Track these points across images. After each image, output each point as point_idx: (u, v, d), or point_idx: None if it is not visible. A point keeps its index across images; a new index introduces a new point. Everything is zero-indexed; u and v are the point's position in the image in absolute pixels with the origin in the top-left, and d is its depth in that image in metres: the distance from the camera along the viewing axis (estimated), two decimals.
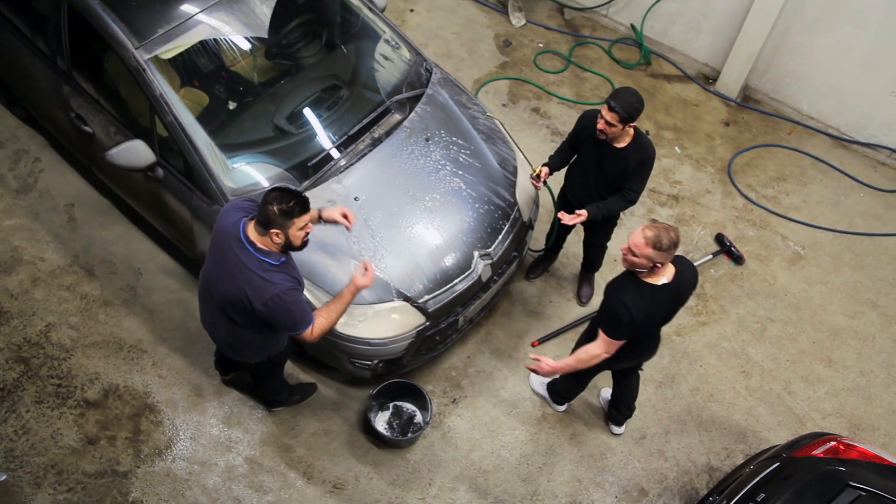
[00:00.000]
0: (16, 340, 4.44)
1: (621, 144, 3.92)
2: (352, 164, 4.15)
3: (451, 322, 4.17)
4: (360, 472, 4.12)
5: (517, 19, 6.65)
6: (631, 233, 3.19)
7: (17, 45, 4.64)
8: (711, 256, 5.25)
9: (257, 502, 3.99)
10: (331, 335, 3.88)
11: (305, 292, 3.79)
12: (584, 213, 4.01)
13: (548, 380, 4.38)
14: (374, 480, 4.11)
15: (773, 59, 6.06)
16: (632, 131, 3.91)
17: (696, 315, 4.97)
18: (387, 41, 4.70)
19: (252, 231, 3.10)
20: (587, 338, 3.73)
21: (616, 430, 4.39)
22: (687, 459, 4.36)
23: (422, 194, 4.15)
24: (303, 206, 3.03)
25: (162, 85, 3.98)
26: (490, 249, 4.20)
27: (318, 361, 4.34)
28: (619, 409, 4.23)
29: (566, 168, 4.35)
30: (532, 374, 4.36)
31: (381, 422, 4.21)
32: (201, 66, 4.44)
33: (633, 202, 4.09)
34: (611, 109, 3.72)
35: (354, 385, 4.42)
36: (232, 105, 4.43)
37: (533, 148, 5.60)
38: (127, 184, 4.53)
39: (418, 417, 4.26)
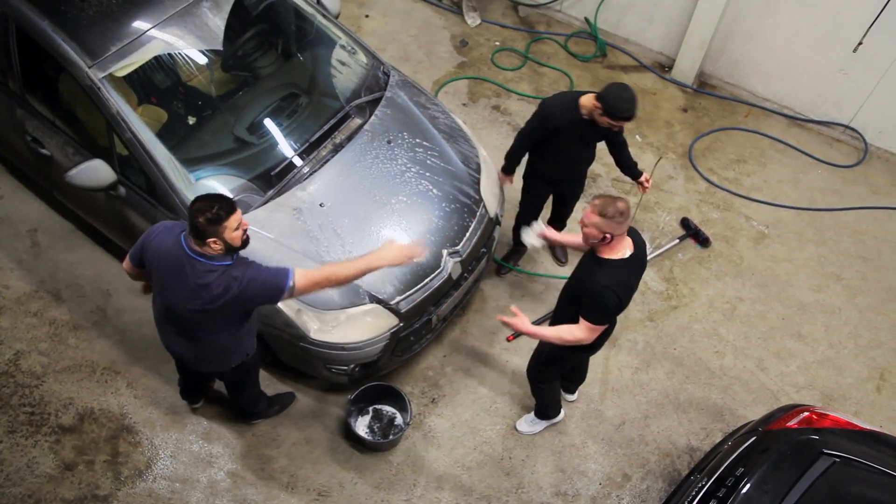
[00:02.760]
0: None
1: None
2: (315, 171, 4.14)
3: (424, 322, 4.18)
4: (344, 478, 4.11)
5: (472, 19, 6.69)
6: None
7: None
8: (678, 241, 5.32)
9: None
10: (305, 342, 3.87)
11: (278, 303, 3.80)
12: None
13: (536, 426, 4.35)
14: (358, 485, 4.10)
15: (725, 45, 6.17)
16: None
17: (667, 299, 5.03)
18: (343, 47, 4.71)
19: (193, 244, 3.07)
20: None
21: (570, 398, 4.49)
22: (667, 442, 4.41)
23: (387, 197, 4.16)
24: (228, 208, 2.98)
25: (118, 102, 3.94)
26: (459, 247, 4.22)
27: (295, 370, 4.32)
28: (573, 381, 4.36)
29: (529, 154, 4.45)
30: (520, 421, 4.36)
31: (361, 426, 4.20)
32: (158, 83, 4.42)
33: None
34: (619, 121, 3.87)
35: (332, 391, 4.41)
36: (191, 120, 4.41)
37: (495, 145, 5.64)
38: (89, 205, 4.48)
39: (398, 419, 4.26)
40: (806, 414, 3.63)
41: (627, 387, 4.60)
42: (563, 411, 4.37)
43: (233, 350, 3.47)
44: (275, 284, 3.10)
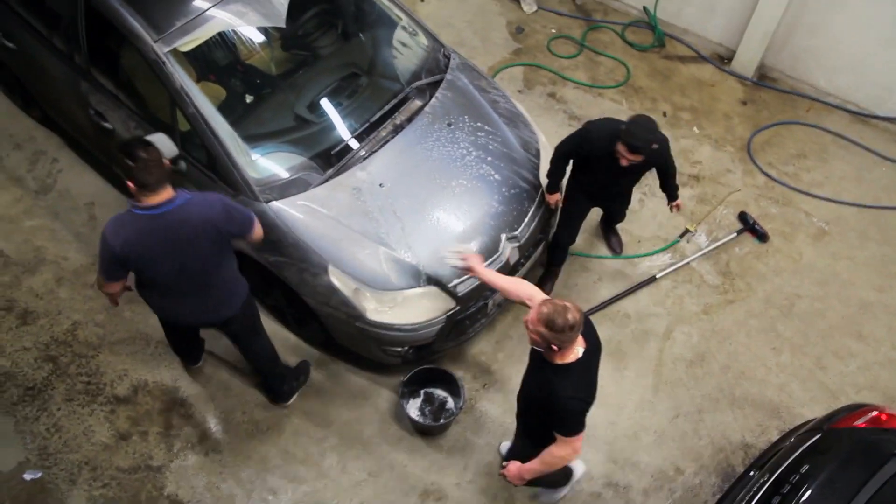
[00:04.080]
0: (43, 339, 4.43)
1: (626, 163, 3.91)
2: (375, 152, 4.12)
3: (480, 306, 4.14)
4: (395, 459, 4.10)
5: (528, 6, 6.61)
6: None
7: (33, 44, 4.62)
8: (735, 235, 5.21)
9: (293, 493, 3.98)
10: (361, 322, 3.86)
11: (332, 278, 3.80)
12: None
13: (556, 494, 4.00)
14: (408, 467, 4.08)
15: (789, 37, 6.01)
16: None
17: (722, 293, 4.93)
18: (404, 28, 4.67)
19: (153, 200, 3.11)
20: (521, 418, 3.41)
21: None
22: (721, 437, 4.32)
23: (448, 180, 4.12)
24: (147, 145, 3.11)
25: (182, 77, 3.95)
26: (517, 232, 4.18)
27: (347, 350, 4.31)
28: None
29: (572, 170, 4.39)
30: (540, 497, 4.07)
31: (413, 409, 4.18)
32: (217, 60, 4.43)
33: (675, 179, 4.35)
34: (634, 152, 3.77)
35: (383, 373, 4.39)
36: (249, 98, 4.42)
37: (550, 132, 5.53)
38: None
39: (450, 403, 4.23)
40: (874, 413, 3.52)
41: (681, 380, 4.52)
42: (580, 465, 4.02)
43: (238, 283, 3.59)
44: (244, 214, 3.37)
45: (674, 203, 4.43)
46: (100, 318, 4.53)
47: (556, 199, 4.37)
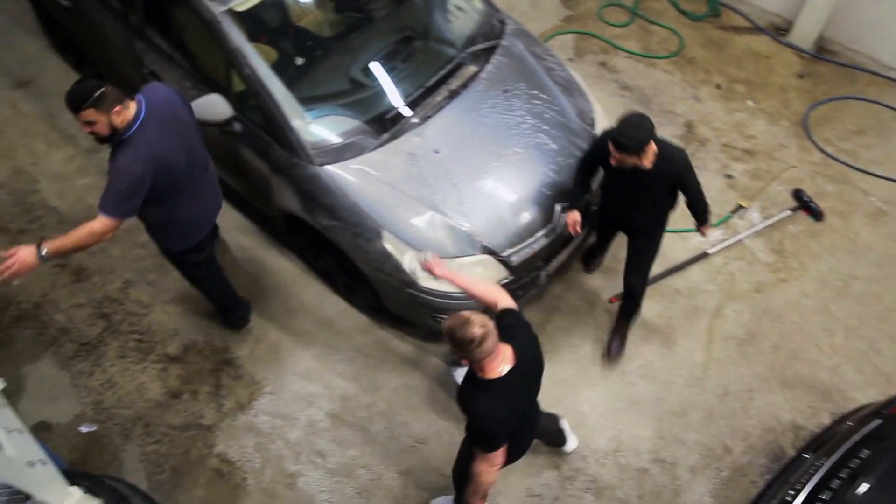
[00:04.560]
0: (96, 297, 4.49)
1: (648, 165, 3.51)
2: (430, 118, 4.07)
3: (532, 276, 4.11)
4: (442, 427, 4.11)
5: None
6: None
7: (88, 2, 4.61)
8: (790, 212, 5.09)
9: (340, 456, 4.01)
10: (412, 289, 3.85)
11: (386, 243, 3.78)
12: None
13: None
14: (455, 436, 4.08)
15: (851, 7, 5.81)
16: (653, 147, 3.50)
17: (775, 272, 4.84)
18: None
19: (128, 112, 3.17)
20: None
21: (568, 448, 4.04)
22: (771, 417, 4.26)
23: (503, 148, 4.06)
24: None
25: (238, 37, 3.93)
26: (570, 203, 4.11)
27: (396, 317, 4.31)
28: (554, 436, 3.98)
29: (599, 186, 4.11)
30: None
31: (461, 376, 4.13)
32: (269, 22, 4.38)
33: (703, 199, 3.82)
34: (619, 149, 3.39)
35: (432, 340, 4.39)
36: (300, 60, 4.37)
37: (601, 102, 5.41)
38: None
39: None
40: None
41: (731, 358, 4.45)
42: (573, 440, 4.02)
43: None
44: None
45: (701, 227, 3.94)
46: (151, 276, 4.57)
47: (573, 218, 3.87)
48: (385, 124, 4.02)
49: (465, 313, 2.56)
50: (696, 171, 3.70)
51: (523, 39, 4.56)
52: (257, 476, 3.93)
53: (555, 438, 3.97)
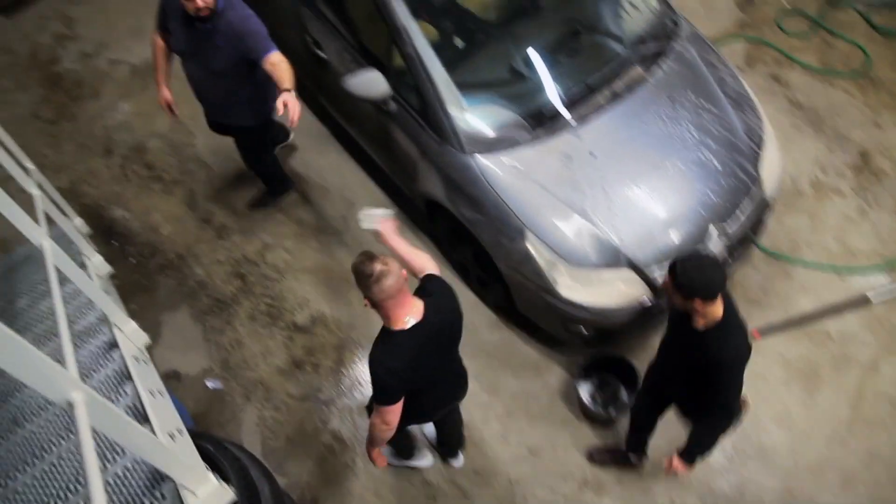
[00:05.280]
0: (235, 255, 4.60)
1: (699, 325, 2.74)
2: (590, 118, 3.87)
3: None
4: (558, 440, 3.96)
5: None
6: None
7: None
8: None
9: None
10: (550, 296, 3.70)
11: (528, 245, 3.64)
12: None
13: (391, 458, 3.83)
14: (570, 451, 3.94)
15: None
16: (717, 312, 2.69)
17: None
18: None
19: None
20: None
21: (458, 462, 3.92)
22: None
23: (662, 159, 3.82)
24: None
25: (405, 14, 3.86)
26: (727, 226, 3.83)
27: (523, 318, 4.18)
28: (448, 447, 3.86)
29: None
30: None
31: (585, 392, 4.01)
32: (432, 0, 4.29)
33: (723, 423, 2.92)
34: (669, 269, 2.72)
35: (558, 348, 4.24)
36: (461, 43, 4.26)
37: (769, 118, 5.07)
38: (354, 114, 4.51)
39: (623, 395, 4.02)
40: None
41: (883, 421, 4.04)
42: (428, 458, 3.91)
43: (261, 100, 4.08)
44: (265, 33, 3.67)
45: (674, 460, 3.04)
46: (288, 243, 4.64)
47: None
48: (542, 120, 3.86)
49: (368, 253, 2.58)
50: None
51: (697, 45, 4.27)
52: (366, 458, 3.92)
53: (449, 450, 3.86)
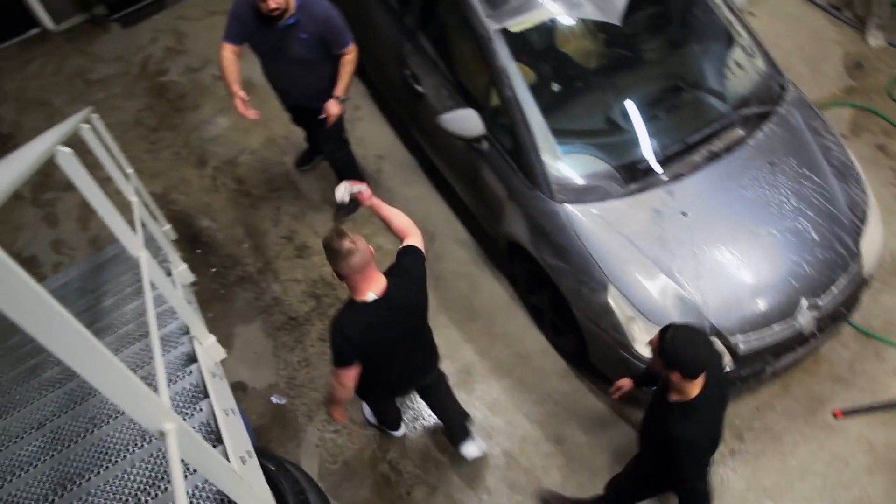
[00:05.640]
0: (313, 276, 4.66)
1: (672, 398, 2.65)
2: (684, 176, 3.80)
3: (756, 370, 3.72)
4: None
5: (875, 38, 5.84)
6: None
7: None
8: None
9: (507, 500, 3.86)
10: (626, 351, 3.61)
11: (610, 299, 3.57)
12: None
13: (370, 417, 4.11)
14: None
15: None
16: (693, 391, 2.57)
17: None
18: (742, 47, 4.25)
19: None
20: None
21: (469, 451, 3.85)
22: None
23: (757, 225, 3.70)
24: None
25: (506, 57, 3.88)
26: (820, 301, 3.68)
27: (595, 370, 4.09)
28: (453, 430, 3.85)
29: None
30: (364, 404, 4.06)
31: None
32: (533, 42, 4.29)
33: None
34: (660, 332, 2.61)
35: (628, 404, 4.12)
36: (558, 89, 4.25)
37: (872, 190, 4.88)
38: (445, 149, 4.54)
39: None
40: None
41: None
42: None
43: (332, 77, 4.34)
44: (345, 29, 4.09)
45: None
46: None
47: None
48: (635, 173, 3.80)
49: (340, 229, 2.76)
50: None
51: (803, 110, 4.14)
52: (423, 493, 3.89)
53: (455, 433, 3.85)
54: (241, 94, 4.06)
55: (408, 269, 2.96)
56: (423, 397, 3.71)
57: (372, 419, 4.10)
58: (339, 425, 4.08)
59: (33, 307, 1.03)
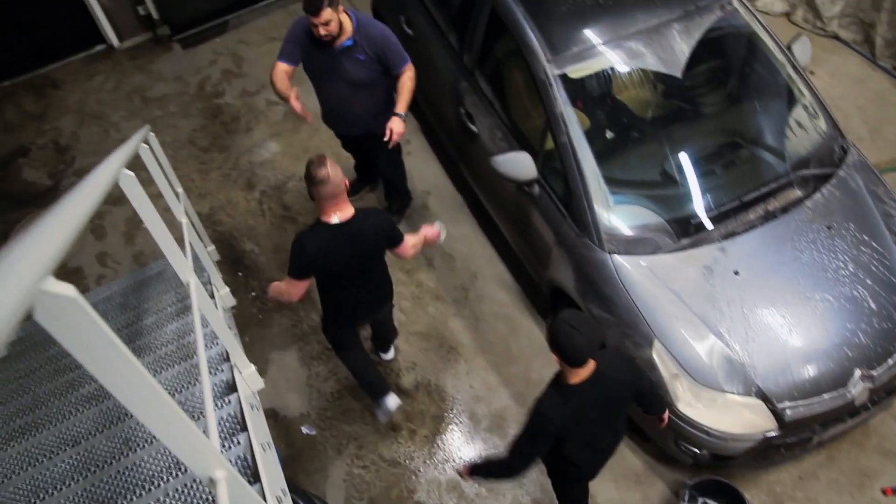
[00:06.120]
0: None
1: (559, 378, 2.81)
2: (738, 234, 3.71)
3: (803, 439, 3.59)
4: None
5: None
6: None
7: (429, 34, 4.83)
8: None
9: None
10: (668, 410, 3.51)
11: (655, 355, 3.49)
12: None
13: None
14: None
15: None
16: (572, 379, 2.69)
17: None
18: (804, 106, 4.18)
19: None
20: None
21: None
22: None
23: (812, 290, 3.59)
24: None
25: (564, 103, 3.86)
26: (874, 372, 3.54)
27: (633, 425, 3.98)
28: (382, 342, 4.35)
29: None
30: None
31: None
32: (590, 88, 4.27)
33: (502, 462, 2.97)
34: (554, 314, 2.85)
35: (665, 463, 4.00)
36: (612, 136, 4.21)
37: None
38: (494, 190, 4.52)
39: None
40: None
41: None
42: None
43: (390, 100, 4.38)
44: (403, 51, 4.12)
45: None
46: (405, 304, 4.65)
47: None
48: (687, 228, 3.73)
49: (322, 157, 3.07)
50: None
51: (864, 174, 4.05)
52: None
53: (380, 339, 4.32)
54: (296, 90, 4.05)
55: (370, 214, 3.33)
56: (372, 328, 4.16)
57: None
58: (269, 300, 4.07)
59: (96, 346, 1.01)
